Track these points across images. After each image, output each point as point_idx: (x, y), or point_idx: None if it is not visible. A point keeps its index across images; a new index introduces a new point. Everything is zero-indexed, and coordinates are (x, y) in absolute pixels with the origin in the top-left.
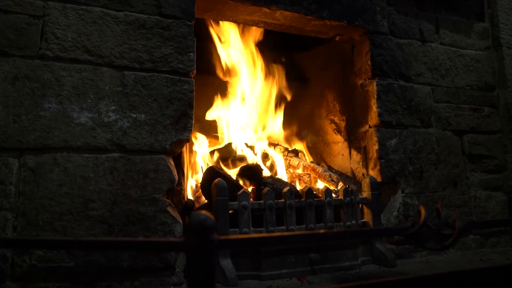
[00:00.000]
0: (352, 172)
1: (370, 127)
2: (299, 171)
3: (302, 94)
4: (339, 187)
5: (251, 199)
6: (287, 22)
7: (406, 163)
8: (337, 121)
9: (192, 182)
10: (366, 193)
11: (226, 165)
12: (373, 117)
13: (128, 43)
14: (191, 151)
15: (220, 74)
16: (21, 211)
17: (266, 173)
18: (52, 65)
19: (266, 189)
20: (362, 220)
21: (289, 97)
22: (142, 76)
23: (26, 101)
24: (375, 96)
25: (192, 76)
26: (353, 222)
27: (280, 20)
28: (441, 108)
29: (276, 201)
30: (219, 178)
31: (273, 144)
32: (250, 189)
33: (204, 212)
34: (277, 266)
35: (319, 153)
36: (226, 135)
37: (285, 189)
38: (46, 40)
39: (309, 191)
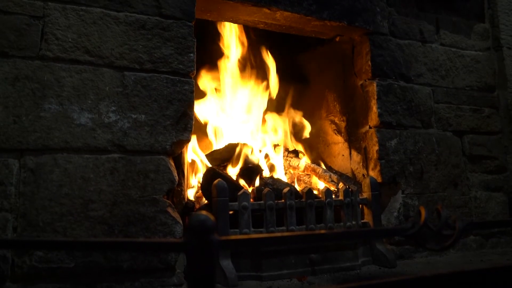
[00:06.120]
0: (352, 172)
1: (370, 127)
2: (299, 171)
3: (302, 94)
4: (339, 188)
5: (251, 200)
6: (287, 23)
7: (406, 164)
8: (337, 122)
9: (192, 182)
10: (366, 194)
11: (227, 166)
12: (373, 118)
13: (128, 44)
14: (191, 151)
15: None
16: (21, 212)
17: (266, 173)
18: (53, 66)
19: (266, 190)
20: (362, 221)
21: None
22: (142, 77)
23: (26, 102)
24: (375, 97)
25: (192, 76)
26: (354, 222)
27: (280, 20)
28: (441, 108)
29: (276, 201)
30: (219, 179)
31: (273, 144)
32: (250, 189)
33: (204, 212)
34: (277, 266)
35: (319, 154)
36: (226, 136)
37: (285, 190)
38: (46, 41)
39: (309, 192)
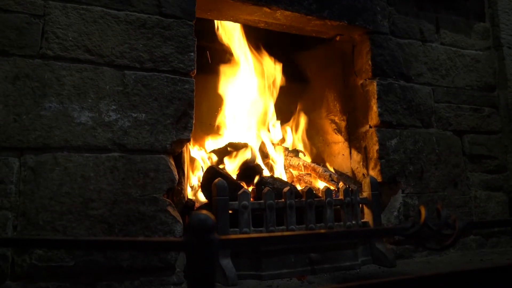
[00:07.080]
0: (353, 172)
1: (370, 127)
2: (300, 171)
3: (302, 93)
4: (339, 187)
5: (251, 199)
6: (287, 22)
7: (406, 163)
8: (338, 121)
9: (192, 181)
10: (366, 193)
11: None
12: (374, 117)
13: (128, 43)
14: (191, 150)
15: (219, 73)
16: (22, 211)
17: (266, 172)
18: (53, 64)
19: (266, 189)
20: (362, 220)
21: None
22: (143, 76)
23: (27, 101)
24: (376, 96)
25: (193, 75)
26: (353, 222)
27: (281, 20)
28: (441, 108)
29: (276, 201)
30: (219, 178)
31: (273, 144)
32: (250, 188)
33: (204, 211)
34: (277, 265)
35: (319, 153)
36: (226, 135)
37: (286, 189)
38: (46, 40)
39: (310, 191)
